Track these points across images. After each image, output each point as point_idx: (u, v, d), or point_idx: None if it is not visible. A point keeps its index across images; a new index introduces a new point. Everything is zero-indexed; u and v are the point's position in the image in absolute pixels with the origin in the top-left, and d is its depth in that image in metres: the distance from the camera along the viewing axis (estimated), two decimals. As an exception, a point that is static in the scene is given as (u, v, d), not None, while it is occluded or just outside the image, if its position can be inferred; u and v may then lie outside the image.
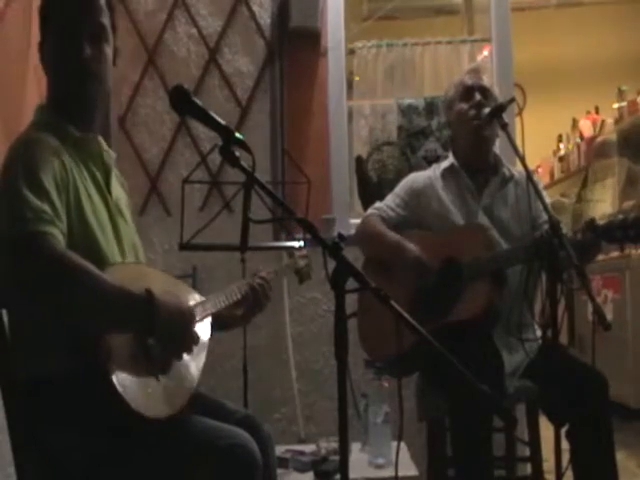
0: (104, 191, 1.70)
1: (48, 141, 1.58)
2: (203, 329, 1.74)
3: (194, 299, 1.76)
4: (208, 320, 1.78)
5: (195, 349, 1.63)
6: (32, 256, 1.41)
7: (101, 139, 1.75)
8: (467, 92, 2.55)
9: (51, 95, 1.71)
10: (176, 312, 1.53)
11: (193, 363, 1.67)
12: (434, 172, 2.65)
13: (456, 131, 2.62)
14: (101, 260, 1.59)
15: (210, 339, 1.78)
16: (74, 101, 1.68)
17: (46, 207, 1.46)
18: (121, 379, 1.46)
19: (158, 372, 1.54)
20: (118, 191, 1.79)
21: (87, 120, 1.71)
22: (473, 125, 2.51)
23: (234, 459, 1.56)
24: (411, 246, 2.46)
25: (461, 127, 2.57)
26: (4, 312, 1.57)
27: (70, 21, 1.66)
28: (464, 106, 2.54)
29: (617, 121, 5.40)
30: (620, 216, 2.15)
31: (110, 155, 1.77)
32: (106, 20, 1.70)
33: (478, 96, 2.52)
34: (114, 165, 1.78)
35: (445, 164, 2.65)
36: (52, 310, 1.48)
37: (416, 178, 2.67)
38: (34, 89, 2.38)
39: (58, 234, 1.46)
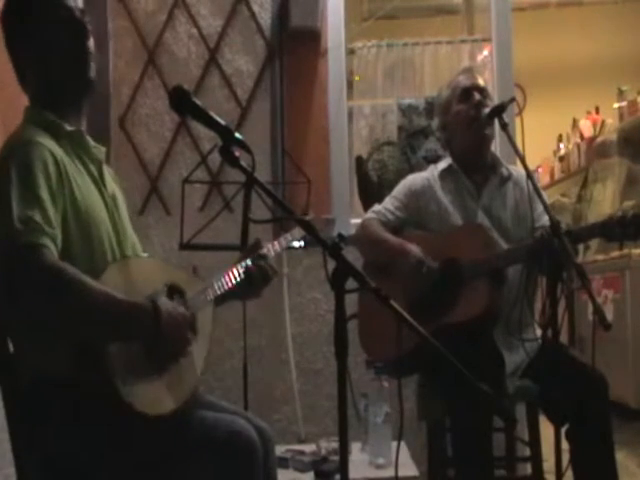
0: (99, 185, 1.71)
1: (41, 140, 1.57)
2: (205, 318, 1.74)
3: (194, 288, 1.75)
4: (210, 309, 1.77)
5: (198, 340, 1.64)
6: (24, 270, 1.40)
7: (87, 135, 1.75)
8: (465, 93, 2.54)
9: (35, 93, 1.70)
10: (175, 322, 1.53)
11: (196, 354, 1.66)
12: (432, 173, 2.64)
13: (454, 132, 2.60)
14: (100, 256, 1.59)
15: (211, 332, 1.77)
16: (64, 97, 1.68)
17: (37, 216, 1.45)
18: (124, 380, 1.46)
19: (158, 371, 1.54)
20: (112, 185, 1.79)
21: (76, 116, 1.71)
22: (473, 125, 2.50)
23: (233, 447, 1.58)
24: (414, 248, 2.45)
25: (460, 128, 2.56)
26: (4, 311, 1.57)
27: (47, 8, 1.67)
28: (463, 107, 2.53)
29: (617, 121, 5.40)
30: (619, 213, 2.16)
31: (100, 150, 1.77)
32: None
33: (477, 96, 2.52)
34: (103, 159, 1.78)
35: (443, 165, 2.64)
36: (47, 323, 1.47)
37: (414, 180, 2.67)
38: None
39: (50, 243, 1.44)
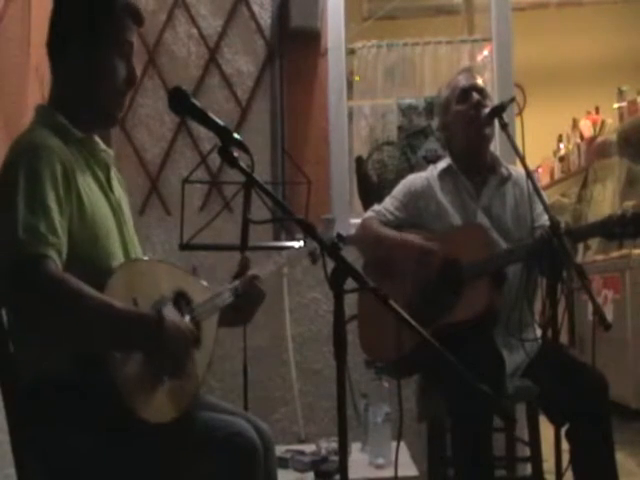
0: (106, 190, 1.70)
1: (51, 144, 1.55)
2: (210, 325, 1.74)
3: (200, 293, 1.74)
4: (215, 317, 1.77)
5: (201, 348, 1.63)
6: (25, 281, 1.39)
7: (98, 139, 1.75)
8: (464, 93, 2.54)
9: (57, 95, 1.69)
10: (179, 335, 1.53)
11: (199, 361, 1.66)
12: (431, 173, 2.64)
13: (454, 132, 2.60)
14: (105, 261, 1.58)
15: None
16: (88, 107, 1.68)
17: (42, 226, 1.43)
18: (126, 386, 1.46)
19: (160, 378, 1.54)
20: (118, 189, 1.79)
21: (90, 122, 1.70)
22: (473, 125, 2.50)
23: (234, 448, 1.58)
24: (412, 237, 2.46)
25: (460, 128, 2.56)
26: (5, 312, 1.57)
27: (117, 38, 1.67)
28: (462, 107, 2.53)
29: (617, 121, 5.40)
30: (618, 212, 2.16)
31: (109, 154, 1.76)
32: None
33: (476, 96, 2.52)
34: (112, 163, 1.78)
35: (442, 165, 2.64)
36: (51, 333, 1.47)
37: (414, 180, 2.66)
38: (34, 89, 2.38)
39: (53, 254, 1.43)
